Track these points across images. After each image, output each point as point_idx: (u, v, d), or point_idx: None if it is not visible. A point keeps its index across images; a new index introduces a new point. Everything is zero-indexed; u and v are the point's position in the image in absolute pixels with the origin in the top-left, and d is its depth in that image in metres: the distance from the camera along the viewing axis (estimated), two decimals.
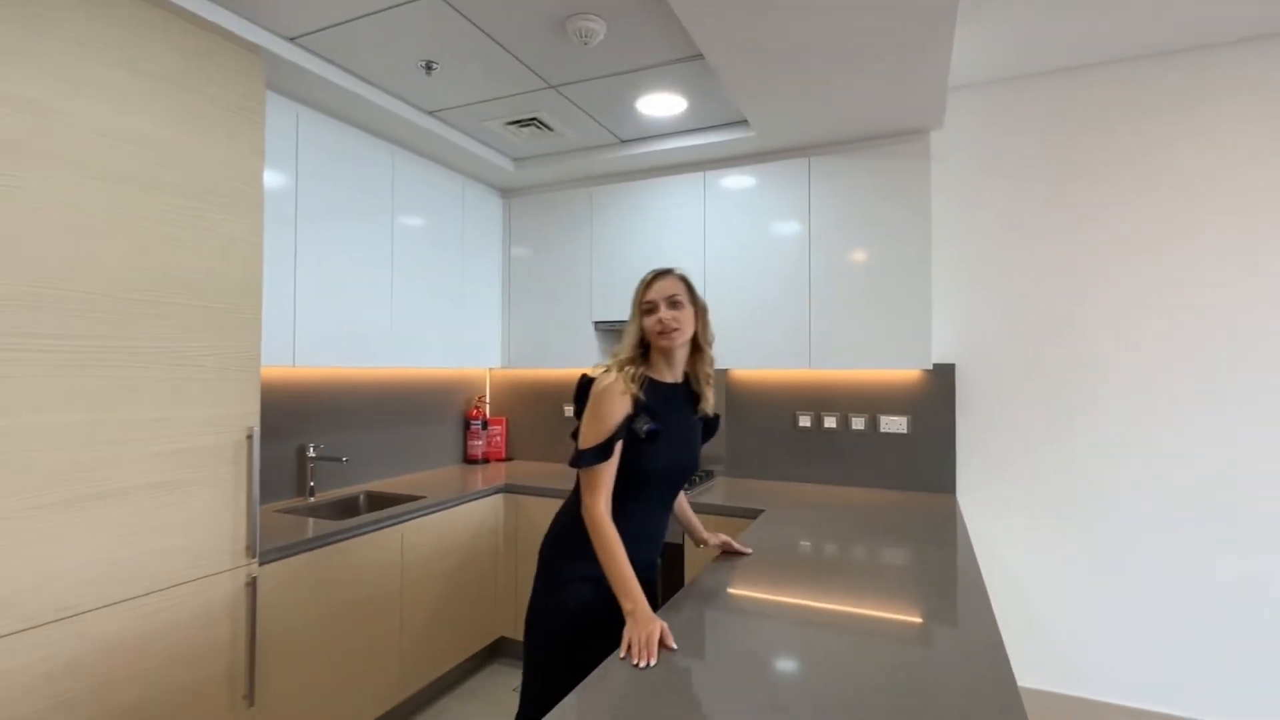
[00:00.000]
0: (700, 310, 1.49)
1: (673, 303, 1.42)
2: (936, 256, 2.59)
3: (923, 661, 1.16)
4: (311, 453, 2.48)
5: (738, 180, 2.70)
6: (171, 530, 1.53)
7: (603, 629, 1.32)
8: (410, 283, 2.65)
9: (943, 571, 1.67)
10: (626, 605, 1.22)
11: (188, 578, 1.57)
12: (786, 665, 1.14)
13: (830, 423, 2.78)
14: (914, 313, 2.41)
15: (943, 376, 2.60)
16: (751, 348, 2.66)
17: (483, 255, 3.11)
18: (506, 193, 3.24)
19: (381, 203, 2.51)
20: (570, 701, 0.99)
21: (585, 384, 1.44)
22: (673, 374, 1.48)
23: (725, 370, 2.96)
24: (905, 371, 2.64)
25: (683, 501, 1.73)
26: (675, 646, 1.15)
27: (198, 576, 1.59)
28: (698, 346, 1.50)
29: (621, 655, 1.12)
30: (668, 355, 1.45)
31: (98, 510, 1.40)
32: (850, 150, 2.52)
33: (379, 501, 2.60)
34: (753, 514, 2.30)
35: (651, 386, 1.41)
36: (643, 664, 1.08)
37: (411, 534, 2.30)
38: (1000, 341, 2.55)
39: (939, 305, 2.61)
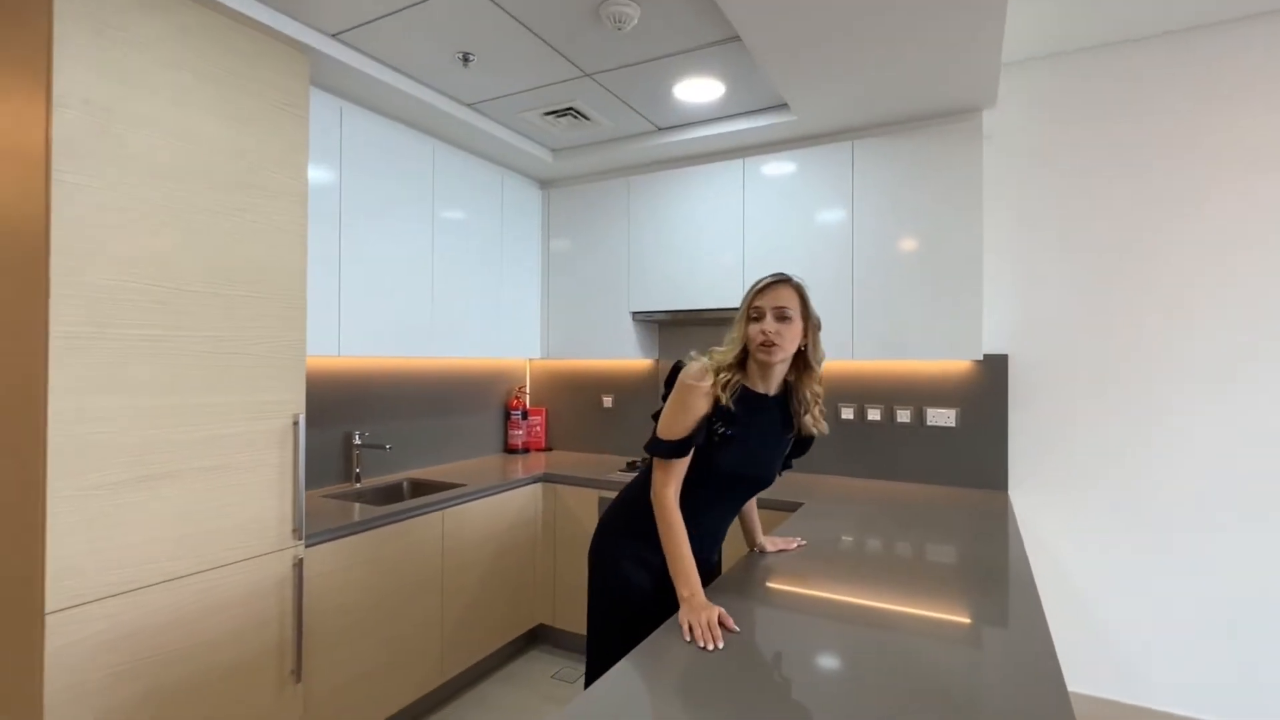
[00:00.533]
0: (812, 326, 1.40)
1: (781, 315, 1.35)
2: (989, 242, 2.47)
3: (969, 663, 1.11)
4: (357, 440, 2.56)
5: (778, 166, 2.64)
6: (222, 511, 1.60)
7: (655, 612, 1.33)
8: (451, 274, 2.69)
9: (992, 570, 1.60)
10: (684, 591, 1.22)
11: (238, 558, 1.63)
12: (824, 661, 1.11)
13: (874, 415, 2.70)
14: (965, 301, 2.31)
15: (994, 368, 2.48)
16: None
17: (522, 246, 3.13)
18: (545, 184, 3.26)
19: (422, 196, 2.55)
20: (606, 688, 0.98)
21: (677, 368, 1.40)
22: (766, 385, 1.42)
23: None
24: (954, 363, 2.54)
25: (751, 506, 1.68)
26: (738, 629, 1.16)
27: (248, 557, 1.65)
28: (806, 364, 1.42)
29: (687, 639, 1.12)
30: (764, 367, 1.39)
31: (156, 490, 1.47)
32: (896, 132, 2.42)
33: (421, 488, 2.66)
34: (791, 507, 2.25)
35: (742, 394, 1.37)
36: (711, 647, 1.09)
37: (452, 521, 2.35)
38: (1058, 331, 2.42)
39: (991, 293, 2.49)
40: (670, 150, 2.79)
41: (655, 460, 1.35)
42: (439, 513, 2.29)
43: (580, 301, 3.14)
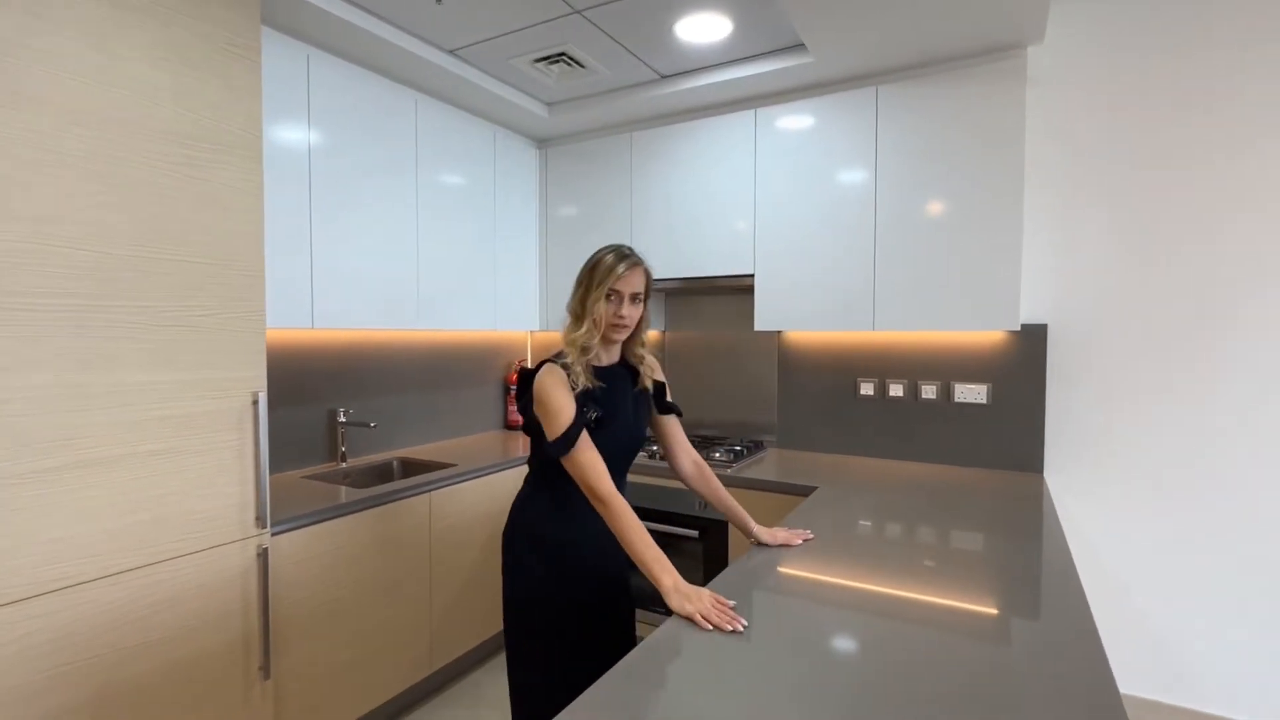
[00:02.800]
0: (650, 305, 1.49)
1: (634, 299, 1.40)
2: (1030, 200, 2.21)
3: (1005, 662, 0.97)
4: (342, 418, 2.41)
5: (793, 119, 2.39)
6: (170, 500, 1.45)
7: (570, 619, 1.40)
8: (438, 240, 2.50)
9: (1027, 559, 1.43)
10: (667, 580, 1.18)
11: (192, 549, 1.49)
12: (845, 658, 0.98)
13: (896, 391, 2.48)
14: (1000, 266, 2.07)
15: (1032, 339, 2.24)
16: (807, 307, 2.38)
17: (518, 211, 2.93)
18: (542, 143, 3.03)
19: (404, 154, 2.35)
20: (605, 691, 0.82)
21: (527, 377, 1.38)
22: (609, 356, 1.46)
23: (778, 332, 2.70)
24: (985, 334, 2.31)
25: (719, 489, 1.58)
26: (734, 602, 1.15)
27: (204, 548, 1.52)
28: (635, 333, 1.48)
29: (708, 628, 1.07)
30: (609, 344, 1.43)
31: (91, 477, 1.32)
32: (927, 75, 2.16)
33: (413, 468, 2.52)
34: (805, 491, 2.07)
35: (595, 373, 1.39)
36: (740, 627, 1.07)
37: (441, 503, 2.20)
38: (1104, 299, 2.17)
39: (1030, 257, 2.24)
40: (674, 101, 2.54)
41: (571, 461, 1.29)
42: (425, 495, 2.15)
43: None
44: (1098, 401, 2.18)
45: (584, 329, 1.36)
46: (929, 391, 2.42)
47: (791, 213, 2.40)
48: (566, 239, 2.98)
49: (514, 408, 3.19)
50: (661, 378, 1.56)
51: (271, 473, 2.15)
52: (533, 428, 1.38)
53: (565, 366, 1.34)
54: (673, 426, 1.58)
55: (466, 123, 2.63)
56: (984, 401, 2.32)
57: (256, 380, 1.62)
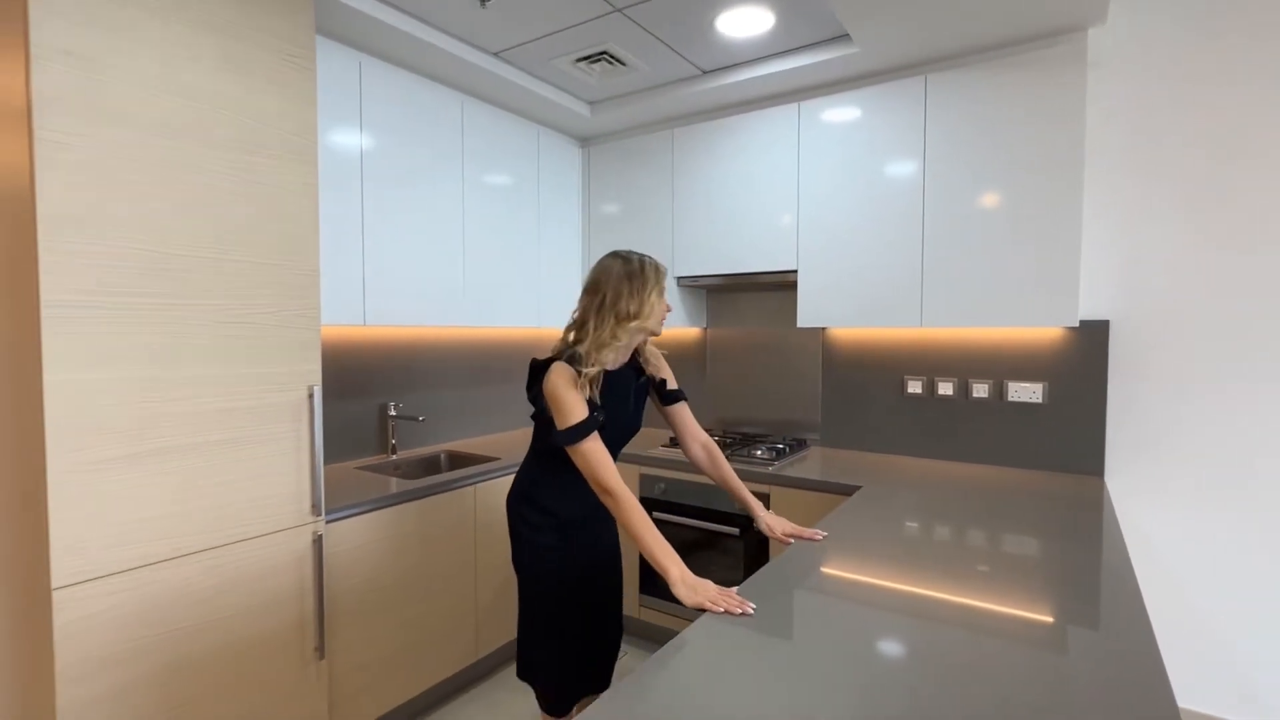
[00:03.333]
0: None
1: (667, 309, 1.49)
2: (1091, 189, 2.11)
3: (1061, 669, 0.94)
4: (392, 411, 2.50)
5: (838, 111, 2.34)
6: (234, 487, 1.54)
7: (574, 584, 1.52)
8: (484, 239, 2.57)
9: (1085, 565, 1.36)
10: (674, 571, 1.20)
11: (254, 534, 1.58)
12: (895, 661, 0.96)
13: (945, 389, 2.41)
14: (1059, 259, 1.98)
15: (1092, 336, 2.14)
16: (851, 303, 2.34)
17: (561, 208, 2.97)
18: (585, 141, 3.06)
19: (451, 155, 2.42)
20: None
21: (537, 369, 1.43)
22: (617, 360, 1.49)
23: (822, 329, 2.66)
24: (1041, 331, 2.21)
25: (728, 473, 1.63)
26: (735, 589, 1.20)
27: (264, 533, 1.60)
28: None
29: (720, 609, 1.12)
30: (629, 351, 1.50)
31: (162, 465, 1.42)
32: (979, 62, 2.08)
33: (459, 461, 2.59)
34: (847, 490, 2.03)
35: (605, 378, 1.43)
36: (748, 610, 1.11)
37: (485, 495, 2.26)
38: (1173, 293, 2.05)
39: (1091, 250, 2.14)
40: (716, 96, 2.53)
41: (578, 452, 1.33)
42: (470, 488, 2.21)
43: None
44: (1165, 402, 2.07)
45: (635, 323, 1.40)
46: (981, 390, 2.34)
47: (835, 207, 2.36)
48: (609, 236, 3.00)
49: None
50: (669, 374, 1.62)
51: (326, 463, 2.25)
52: (540, 415, 1.45)
53: (575, 367, 1.36)
54: (682, 413, 1.63)
55: (511, 123, 2.68)
56: (1040, 400, 2.23)
57: (312, 375, 1.70)
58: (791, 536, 1.52)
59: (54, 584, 1.27)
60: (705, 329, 3.01)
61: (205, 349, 1.48)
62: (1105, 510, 1.76)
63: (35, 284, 1.24)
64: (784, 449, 2.48)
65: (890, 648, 1.02)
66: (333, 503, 1.82)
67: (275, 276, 1.61)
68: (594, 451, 1.32)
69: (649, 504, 2.49)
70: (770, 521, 1.56)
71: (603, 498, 1.32)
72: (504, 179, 2.65)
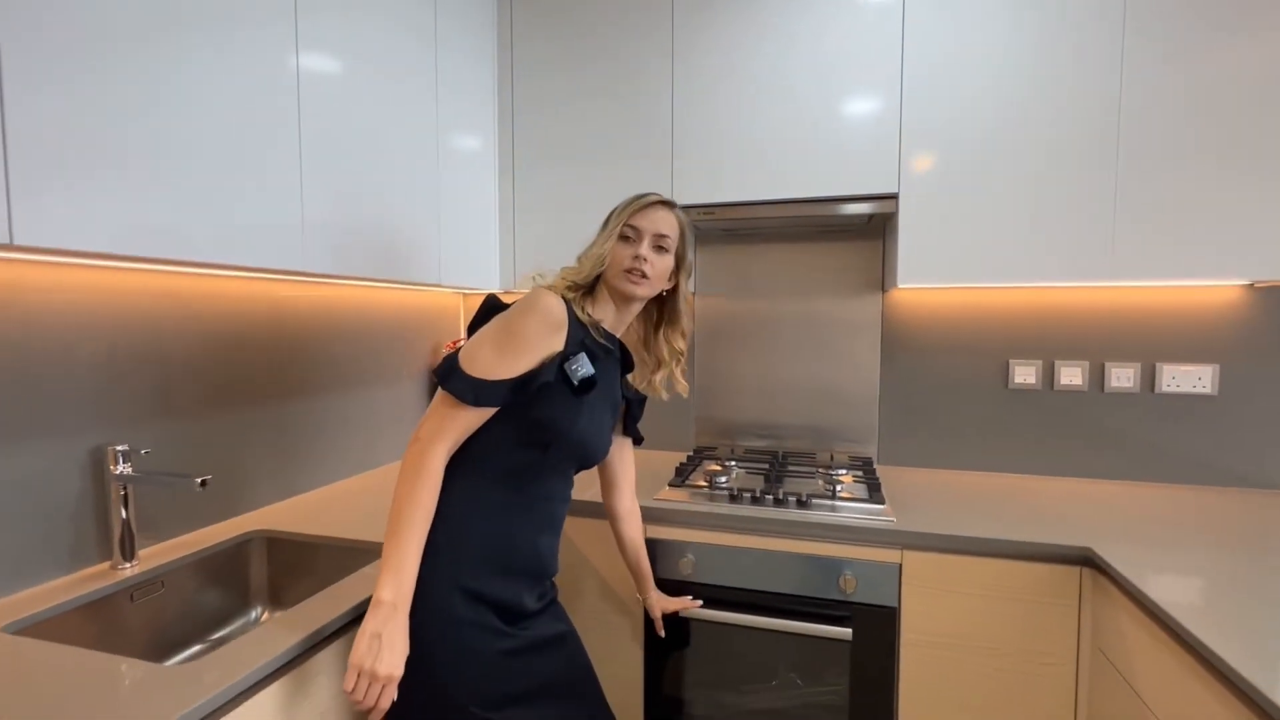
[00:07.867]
0: (686, 268, 1.12)
1: (659, 245, 1.06)
2: None
3: None
4: (119, 466, 1.10)
5: None
6: None
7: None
8: (325, 142, 1.26)
9: None
10: (385, 593, 0.85)
11: None
12: None
13: (1071, 378, 1.71)
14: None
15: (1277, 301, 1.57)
16: (990, 250, 1.51)
17: (466, 88, 1.72)
18: None
19: None
20: None
21: (493, 305, 1.03)
22: (615, 326, 1.09)
23: (881, 294, 1.82)
24: (1206, 291, 1.60)
25: (640, 534, 1.32)
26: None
27: None
28: (673, 314, 1.14)
29: (348, 687, 0.81)
30: (623, 303, 1.08)
31: None
32: None
33: (292, 561, 1.27)
34: (1065, 555, 1.20)
35: (592, 357, 1.03)
36: (364, 709, 0.81)
37: None
38: None
39: None
40: None
41: (439, 397, 0.94)
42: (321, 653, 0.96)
43: (577, 191, 1.80)
44: None
45: (581, 266, 1.06)
46: (1122, 378, 1.67)
47: (960, 95, 1.50)
48: (549, 136, 1.83)
49: None
50: (662, 395, 1.21)
51: None
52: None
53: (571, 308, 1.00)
54: (629, 453, 1.27)
55: None
56: (1209, 391, 1.62)
57: None
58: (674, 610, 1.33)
59: None
60: (692, 294, 1.98)
61: None
62: None
63: None
64: (862, 477, 1.60)
65: None
66: None
67: None
68: (455, 412, 0.92)
69: (672, 589, 1.42)
70: (657, 601, 1.35)
71: (410, 447, 0.92)
72: (361, 37, 1.35)
